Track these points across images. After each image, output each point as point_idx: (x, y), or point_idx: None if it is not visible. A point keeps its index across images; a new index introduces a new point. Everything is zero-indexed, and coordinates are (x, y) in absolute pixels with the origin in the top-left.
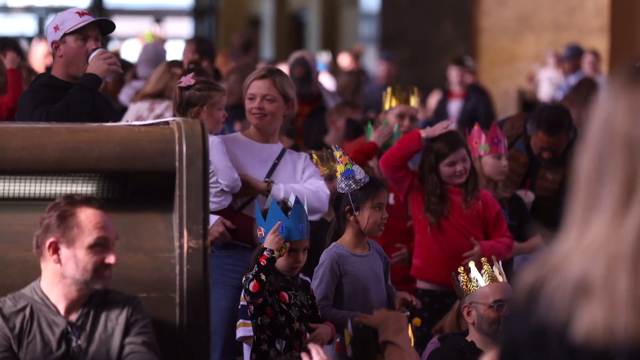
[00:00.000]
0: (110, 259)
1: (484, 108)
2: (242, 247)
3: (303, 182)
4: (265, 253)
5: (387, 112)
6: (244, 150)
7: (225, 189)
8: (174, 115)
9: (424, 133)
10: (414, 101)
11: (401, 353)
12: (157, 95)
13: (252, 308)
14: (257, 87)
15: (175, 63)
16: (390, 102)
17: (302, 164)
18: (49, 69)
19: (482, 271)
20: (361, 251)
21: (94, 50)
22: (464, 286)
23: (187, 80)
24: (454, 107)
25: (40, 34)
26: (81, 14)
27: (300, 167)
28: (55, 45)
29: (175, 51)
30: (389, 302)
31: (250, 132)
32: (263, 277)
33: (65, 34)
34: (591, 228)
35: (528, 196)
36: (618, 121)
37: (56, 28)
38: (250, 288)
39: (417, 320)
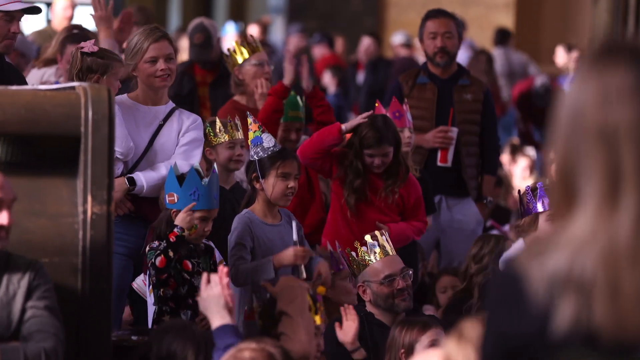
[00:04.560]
0: (2, 219)
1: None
2: (129, 216)
3: (178, 147)
4: (175, 230)
5: (242, 66)
6: (128, 114)
7: (119, 156)
8: (70, 79)
9: (344, 126)
10: (261, 49)
11: (291, 322)
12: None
13: (155, 280)
14: (158, 49)
15: (75, 27)
16: (242, 55)
17: (186, 126)
18: None
19: (374, 247)
20: (272, 220)
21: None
22: (355, 266)
23: (90, 46)
24: (362, 78)
25: None
26: None
27: (183, 129)
28: None
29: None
30: (308, 269)
31: (137, 94)
32: (171, 253)
33: None
34: (574, 223)
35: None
36: (589, 111)
37: None
38: (157, 263)
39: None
